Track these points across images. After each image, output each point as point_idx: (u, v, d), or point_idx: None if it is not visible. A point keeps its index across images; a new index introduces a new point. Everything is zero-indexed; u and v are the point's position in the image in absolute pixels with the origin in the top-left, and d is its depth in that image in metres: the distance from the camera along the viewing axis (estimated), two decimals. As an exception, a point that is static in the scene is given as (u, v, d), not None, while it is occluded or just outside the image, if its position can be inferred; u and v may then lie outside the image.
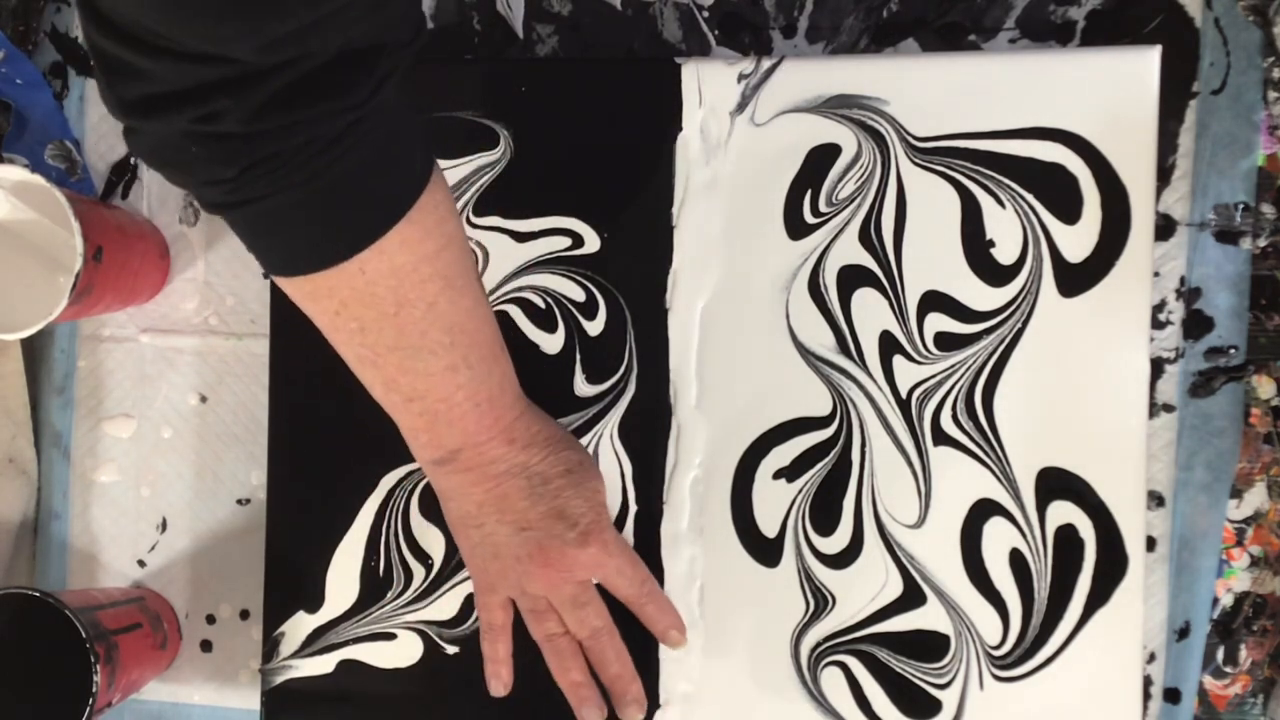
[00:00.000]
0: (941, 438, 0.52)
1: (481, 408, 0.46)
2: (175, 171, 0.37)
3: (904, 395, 0.52)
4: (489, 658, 0.53)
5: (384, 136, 0.38)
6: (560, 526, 0.49)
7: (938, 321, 0.52)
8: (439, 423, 0.46)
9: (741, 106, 0.53)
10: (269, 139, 0.35)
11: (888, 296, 0.53)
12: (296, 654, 0.56)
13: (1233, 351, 0.53)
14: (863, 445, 0.53)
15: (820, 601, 0.53)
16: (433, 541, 0.56)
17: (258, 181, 0.36)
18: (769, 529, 0.53)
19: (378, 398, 0.46)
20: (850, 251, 0.53)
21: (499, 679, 0.53)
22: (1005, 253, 0.52)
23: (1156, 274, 0.53)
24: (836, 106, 0.53)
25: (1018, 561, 0.52)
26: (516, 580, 0.51)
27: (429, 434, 0.47)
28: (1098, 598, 0.51)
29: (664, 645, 0.53)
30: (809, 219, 0.53)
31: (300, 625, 0.56)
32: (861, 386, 0.53)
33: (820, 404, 0.53)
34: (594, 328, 0.55)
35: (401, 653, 0.55)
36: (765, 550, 0.53)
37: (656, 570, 0.54)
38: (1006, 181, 0.52)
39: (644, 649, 0.53)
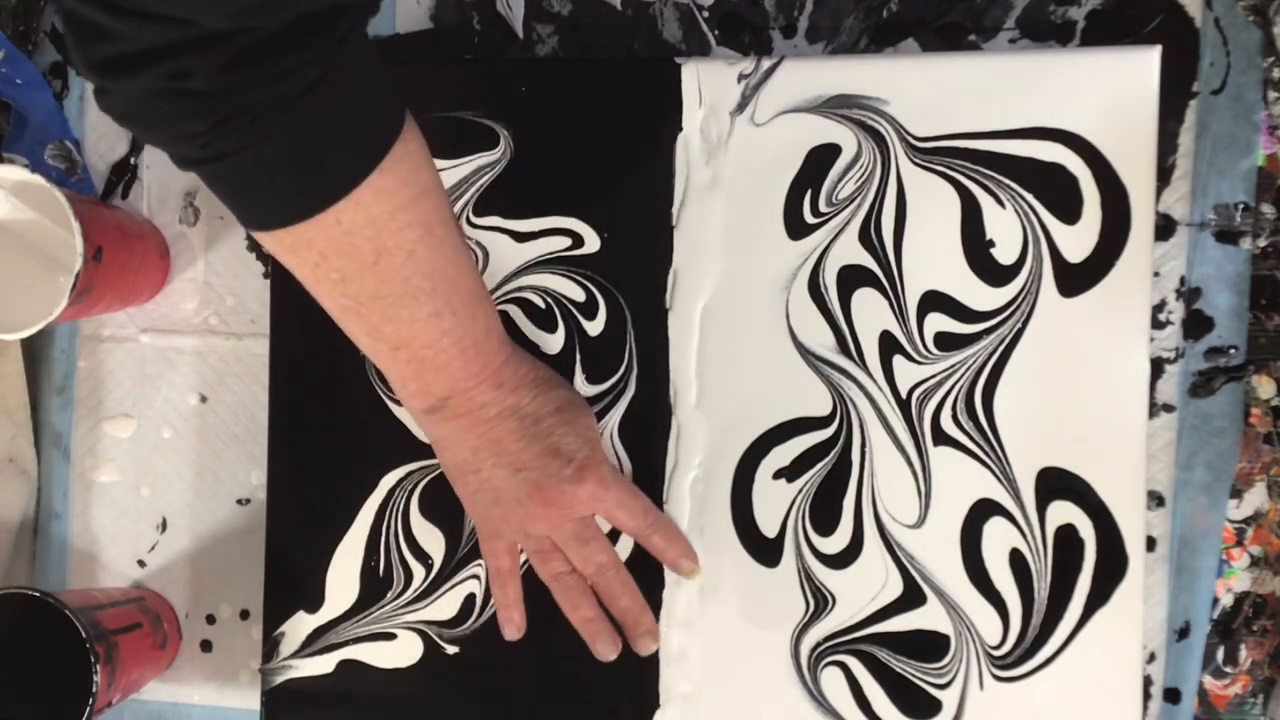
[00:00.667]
0: (941, 438, 0.52)
1: (468, 353, 0.46)
2: (148, 130, 0.37)
3: (904, 395, 0.52)
4: (500, 603, 0.53)
5: (352, 88, 0.38)
6: (556, 464, 0.49)
7: (938, 321, 0.52)
8: (426, 370, 0.46)
9: (741, 106, 0.53)
10: (238, 94, 0.35)
11: (888, 296, 0.53)
12: (296, 654, 0.56)
13: (1233, 351, 0.53)
14: (863, 445, 0.53)
15: (820, 601, 0.53)
16: (433, 541, 0.56)
17: (230, 136, 0.36)
18: (769, 529, 0.53)
19: (364, 348, 0.46)
20: (850, 251, 0.53)
21: (512, 623, 0.53)
22: (1005, 253, 0.52)
23: (1156, 274, 0.53)
24: (836, 106, 0.53)
25: (1018, 561, 0.52)
26: (519, 523, 0.51)
27: (417, 382, 0.47)
28: (1098, 598, 0.51)
29: (676, 573, 0.53)
30: (809, 219, 0.53)
31: (300, 625, 0.56)
32: (861, 386, 0.53)
33: (820, 404, 0.53)
34: (594, 328, 0.55)
35: (401, 653, 0.55)
36: (765, 550, 0.53)
37: (656, 571, 0.54)
38: (1006, 181, 0.52)
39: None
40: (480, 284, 0.47)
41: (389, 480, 0.56)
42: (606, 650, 0.52)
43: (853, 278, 0.53)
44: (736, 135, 0.54)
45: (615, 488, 0.51)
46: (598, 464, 0.51)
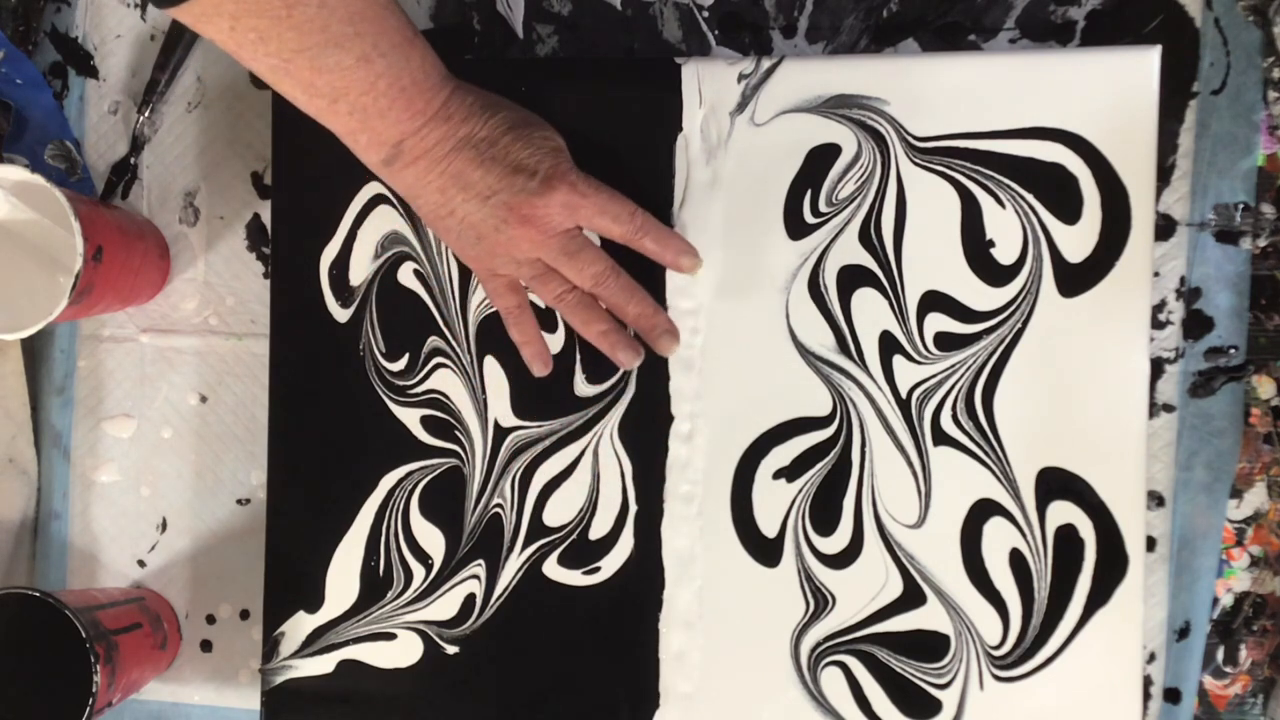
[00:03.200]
0: (941, 438, 0.52)
1: (409, 92, 0.46)
2: None
3: (904, 395, 0.52)
4: (520, 342, 0.53)
5: None
6: (520, 179, 0.49)
7: (938, 321, 0.52)
8: (370, 117, 0.46)
9: (741, 106, 0.53)
10: None
11: (888, 296, 0.53)
12: (296, 654, 0.56)
13: (1233, 351, 0.53)
14: (863, 445, 0.53)
15: (820, 601, 0.53)
16: (433, 541, 0.56)
17: None
18: (769, 529, 0.53)
19: (303, 107, 0.45)
20: (850, 251, 0.53)
21: (539, 358, 0.54)
22: (1005, 253, 0.52)
23: (1156, 274, 0.53)
24: (836, 106, 0.53)
25: (1018, 561, 0.52)
26: (506, 252, 0.50)
27: (366, 133, 0.46)
28: (1098, 598, 0.51)
29: (679, 273, 0.53)
30: (809, 219, 0.53)
31: (300, 625, 0.56)
32: (861, 386, 0.53)
33: (820, 404, 0.53)
34: (594, 328, 0.55)
35: (401, 653, 0.55)
36: (765, 550, 0.53)
37: (655, 572, 0.54)
38: (1006, 181, 0.52)
39: (645, 643, 0.54)
40: (408, 24, 0.46)
41: (389, 480, 0.56)
42: (629, 358, 0.53)
43: (853, 278, 0.53)
44: (736, 135, 0.53)
45: (591, 193, 0.50)
46: (564, 172, 0.50)
